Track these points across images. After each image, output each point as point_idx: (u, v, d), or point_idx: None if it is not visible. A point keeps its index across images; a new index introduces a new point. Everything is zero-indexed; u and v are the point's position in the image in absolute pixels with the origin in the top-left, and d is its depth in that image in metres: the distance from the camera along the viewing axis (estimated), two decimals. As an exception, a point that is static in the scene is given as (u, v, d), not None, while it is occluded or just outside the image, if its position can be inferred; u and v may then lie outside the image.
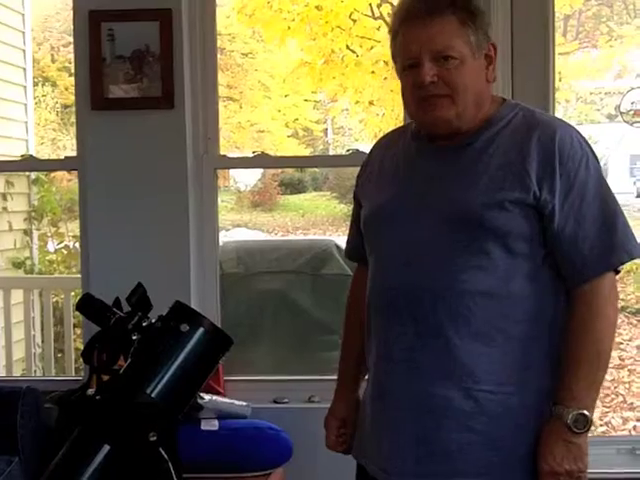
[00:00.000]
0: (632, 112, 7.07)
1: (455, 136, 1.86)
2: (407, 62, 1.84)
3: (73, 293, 4.87)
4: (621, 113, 7.35)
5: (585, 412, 1.76)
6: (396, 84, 1.96)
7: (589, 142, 1.87)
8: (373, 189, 1.99)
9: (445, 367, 1.80)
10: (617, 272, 1.84)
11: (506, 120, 1.86)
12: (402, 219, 1.88)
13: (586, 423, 1.76)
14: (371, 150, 2.08)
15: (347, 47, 7.46)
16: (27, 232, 6.28)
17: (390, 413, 1.88)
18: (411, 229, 1.86)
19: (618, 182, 8.79)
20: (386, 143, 2.06)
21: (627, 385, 6.47)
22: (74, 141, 3.36)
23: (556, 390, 1.79)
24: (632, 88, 7.40)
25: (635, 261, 1.85)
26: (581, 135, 1.86)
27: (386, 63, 6.48)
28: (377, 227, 1.94)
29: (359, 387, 2.09)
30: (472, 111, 1.84)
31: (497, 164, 1.81)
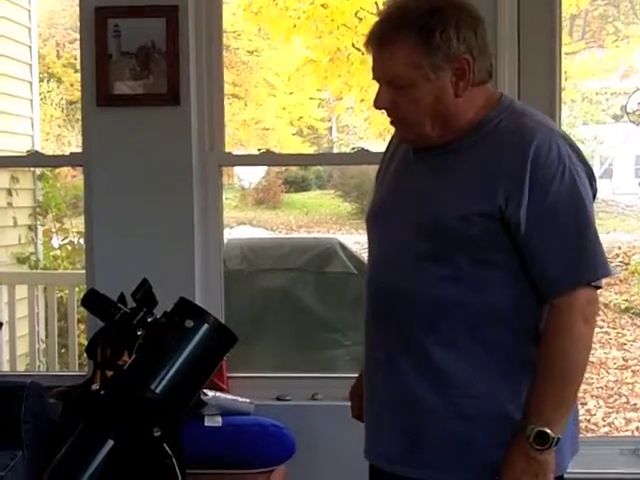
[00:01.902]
0: (638, 112, 7.06)
1: (443, 141, 1.85)
2: (374, 79, 1.86)
3: (77, 289, 4.88)
4: (627, 113, 7.33)
5: (547, 430, 1.73)
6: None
7: (579, 149, 1.82)
8: (379, 184, 2.02)
9: (422, 370, 1.81)
10: (598, 287, 1.80)
11: (491, 126, 1.83)
12: (390, 220, 1.89)
13: (547, 441, 1.73)
14: (390, 139, 2.06)
15: (353, 45, 7.44)
16: (32, 228, 6.28)
17: (375, 410, 1.91)
18: (394, 232, 1.87)
19: (623, 183, 8.73)
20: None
21: (630, 386, 6.45)
22: (79, 137, 3.36)
23: (525, 403, 1.78)
24: (638, 88, 7.38)
25: (640, 262, 1.82)
26: (567, 143, 1.81)
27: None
28: (372, 224, 1.97)
29: None
30: (439, 128, 1.82)
31: (471, 174, 1.80)
